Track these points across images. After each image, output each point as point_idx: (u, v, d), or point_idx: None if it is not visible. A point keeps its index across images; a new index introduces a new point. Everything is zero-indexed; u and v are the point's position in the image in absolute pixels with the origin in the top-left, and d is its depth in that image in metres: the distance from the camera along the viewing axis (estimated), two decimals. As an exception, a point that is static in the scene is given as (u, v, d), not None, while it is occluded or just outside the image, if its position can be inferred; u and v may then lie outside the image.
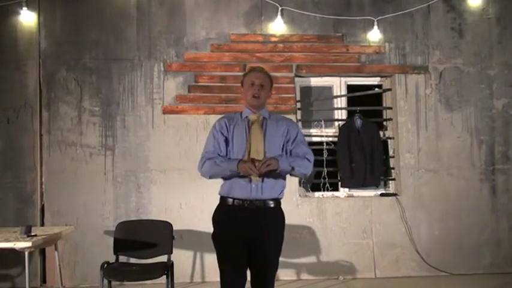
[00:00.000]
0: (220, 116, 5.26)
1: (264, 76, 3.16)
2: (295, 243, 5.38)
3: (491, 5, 5.78)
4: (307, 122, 5.80)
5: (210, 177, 3.16)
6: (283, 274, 5.35)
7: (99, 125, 5.34)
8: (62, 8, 5.38)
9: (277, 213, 3.16)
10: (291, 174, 3.16)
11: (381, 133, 5.78)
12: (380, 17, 5.62)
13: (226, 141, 3.13)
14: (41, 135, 5.28)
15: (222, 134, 3.15)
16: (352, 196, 5.68)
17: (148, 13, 5.46)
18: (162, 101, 5.42)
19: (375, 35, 5.62)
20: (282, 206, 3.22)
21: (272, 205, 3.11)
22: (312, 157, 3.17)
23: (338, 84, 5.80)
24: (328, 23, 5.63)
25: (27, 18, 5.27)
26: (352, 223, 5.52)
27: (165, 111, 5.41)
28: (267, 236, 3.07)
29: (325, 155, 5.69)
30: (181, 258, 5.16)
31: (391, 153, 5.79)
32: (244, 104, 3.29)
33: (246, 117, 3.17)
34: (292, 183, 5.44)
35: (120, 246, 4.43)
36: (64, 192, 5.25)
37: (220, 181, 3.17)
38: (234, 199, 3.06)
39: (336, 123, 5.78)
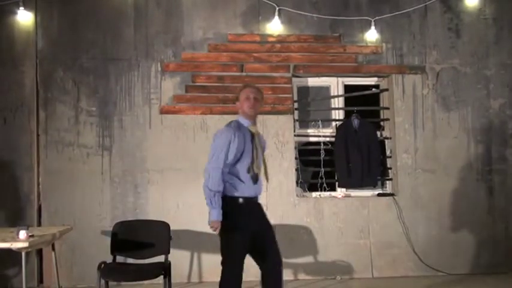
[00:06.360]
0: (217, 116, 5.40)
1: (257, 91, 3.64)
2: (293, 243, 5.39)
3: (488, 6, 5.79)
4: (304, 122, 5.81)
5: (205, 185, 3.45)
6: (281, 274, 5.35)
7: (96, 125, 5.34)
8: (59, 8, 5.37)
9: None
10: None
11: (378, 133, 5.79)
12: (377, 17, 5.63)
13: (236, 152, 3.45)
14: (38, 135, 5.27)
15: (234, 144, 3.44)
16: (349, 196, 5.69)
17: (145, 13, 5.46)
18: (160, 101, 5.41)
19: (372, 35, 5.62)
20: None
21: None
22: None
23: (335, 84, 5.80)
24: (325, 23, 5.63)
25: (24, 18, 5.26)
26: (349, 223, 5.53)
27: (162, 112, 5.41)
28: None
29: (322, 155, 5.70)
30: (179, 258, 5.15)
31: (388, 153, 5.80)
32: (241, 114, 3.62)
33: (248, 128, 3.58)
34: (289, 183, 5.45)
35: (117, 246, 4.43)
36: (61, 193, 5.24)
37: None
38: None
39: (333, 123, 5.78)
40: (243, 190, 3.48)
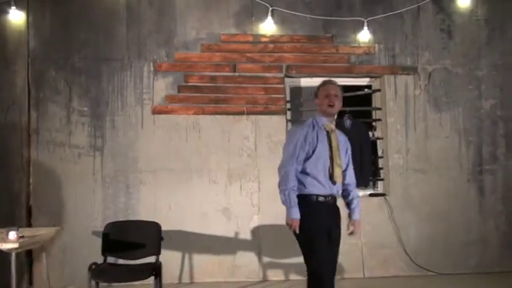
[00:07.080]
0: (210, 116, 5.40)
1: (337, 88, 3.57)
2: (284, 243, 5.38)
3: (480, 7, 5.82)
4: (297, 123, 5.81)
5: (279, 184, 3.45)
6: (272, 274, 5.38)
7: (88, 125, 5.32)
8: (51, 7, 5.34)
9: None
10: None
11: (370, 133, 5.81)
12: (370, 18, 5.64)
13: (308, 149, 3.42)
14: (29, 135, 5.25)
15: (305, 142, 3.43)
16: (341, 196, 5.68)
17: (138, 13, 5.44)
18: (152, 101, 5.40)
19: (364, 36, 5.63)
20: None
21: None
22: None
23: (328, 85, 5.80)
24: (318, 24, 5.64)
25: (16, 17, 5.23)
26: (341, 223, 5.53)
27: (155, 112, 5.40)
28: None
29: (314, 156, 5.70)
30: (170, 259, 5.14)
31: (380, 153, 5.82)
32: (319, 112, 3.63)
33: (323, 125, 3.54)
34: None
35: (108, 247, 4.43)
36: (52, 193, 5.22)
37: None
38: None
39: (326, 124, 5.78)
40: (316, 188, 3.41)
